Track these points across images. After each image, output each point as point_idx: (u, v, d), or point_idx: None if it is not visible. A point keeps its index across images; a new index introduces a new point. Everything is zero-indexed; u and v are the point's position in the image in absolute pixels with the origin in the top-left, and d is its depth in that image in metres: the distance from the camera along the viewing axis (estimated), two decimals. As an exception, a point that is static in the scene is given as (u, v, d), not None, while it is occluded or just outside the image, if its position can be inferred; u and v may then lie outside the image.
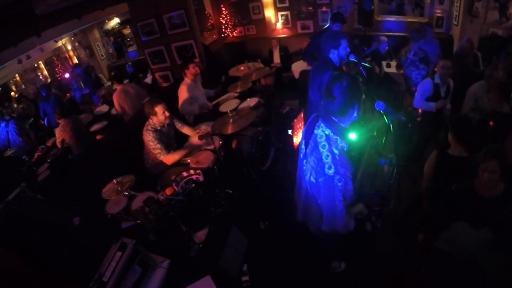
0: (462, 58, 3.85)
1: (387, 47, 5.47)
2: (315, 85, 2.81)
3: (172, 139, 3.33)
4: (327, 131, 1.59)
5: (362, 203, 1.92)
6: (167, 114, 3.03)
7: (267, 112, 4.13)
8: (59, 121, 4.23)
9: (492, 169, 1.76)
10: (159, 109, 2.99)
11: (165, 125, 3.17)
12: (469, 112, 3.15)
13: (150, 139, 3.05)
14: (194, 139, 3.28)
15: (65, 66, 8.05)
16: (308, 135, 1.73)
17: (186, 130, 3.50)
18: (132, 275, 2.25)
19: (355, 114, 1.60)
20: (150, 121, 3.10)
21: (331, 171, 1.56)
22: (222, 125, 3.18)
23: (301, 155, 1.86)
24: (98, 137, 4.79)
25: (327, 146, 1.57)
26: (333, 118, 1.60)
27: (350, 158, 1.60)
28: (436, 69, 3.27)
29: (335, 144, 1.57)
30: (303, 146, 1.81)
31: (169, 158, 3.12)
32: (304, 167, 1.81)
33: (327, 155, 1.57)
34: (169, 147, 3.21)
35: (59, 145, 4.33)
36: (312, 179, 1.70)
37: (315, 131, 1.65)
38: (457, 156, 2.28)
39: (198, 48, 5.35)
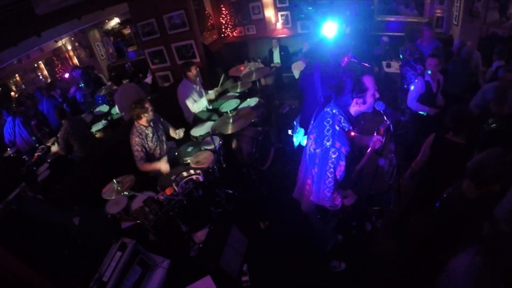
0: (466, 60, 3.86)
1: (387, 47, 5.48)
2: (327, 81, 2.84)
3: (162, 135, 3.26)
4: (334, 110, 1.79)
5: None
6: (151, 108, 3.04)
7: (267, 112, 4.13)
8: (63, 122, 4.15)
9: None
10: (148, 105, 3.01)
11: (151, 123, 3.12)
12: (473, 108, 3.15)
13: (132, 144, 3.01)
14: (164, 167, 3.10)
15: (65, 66, 8.04)
16: (317, 113, 1.94)
17: (170, 131, 3.44)
18: (132, 275, 2.25)
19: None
20: (136, 124, 3.05)
21: (328, 143, 1.74)
22: (222, 125, 3.19)
23: (308, 131, 2.07)
24: (98, 136, 4.78)
25: (330, 122, 1.77)
26: (343, 103, 1.77)
27: (349, 138, 1.76)
28: (427, 66, 3.29)
29: (338, 122, 1.76)
30: (312, 122, 1.99)
31: (143, 167, 3.07)
32: (307, 141, 2.00)
33: (328, 129, 1.76)
34: (158, 144, 3.18)
35: (62, 151, 4.04)
36: (311, 150, 1.89)
37: (325, 109, 1.86)
38: (454, 141, 2.26)
39: (198, 48, 5.34)
